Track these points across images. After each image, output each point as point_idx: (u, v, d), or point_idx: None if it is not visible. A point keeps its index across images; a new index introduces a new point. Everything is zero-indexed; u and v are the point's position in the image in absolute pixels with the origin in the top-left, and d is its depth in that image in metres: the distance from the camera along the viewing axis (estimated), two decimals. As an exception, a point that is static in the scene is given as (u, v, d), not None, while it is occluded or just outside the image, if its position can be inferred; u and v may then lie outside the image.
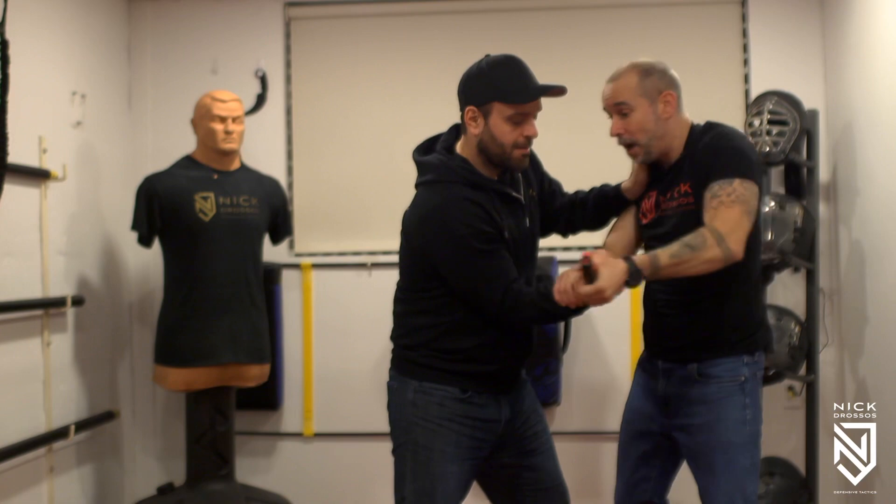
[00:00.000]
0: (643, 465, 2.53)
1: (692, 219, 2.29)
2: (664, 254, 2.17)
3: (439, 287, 2.36)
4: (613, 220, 2.63)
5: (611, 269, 2.12)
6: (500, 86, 2.30)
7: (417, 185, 2.43)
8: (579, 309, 2.22)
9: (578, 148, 4.06)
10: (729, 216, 2.21)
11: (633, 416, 2.56)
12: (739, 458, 2.36)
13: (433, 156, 2.41)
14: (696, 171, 2.33)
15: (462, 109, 2.38)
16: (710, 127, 2.43)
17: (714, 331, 2.38)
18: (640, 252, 2.48)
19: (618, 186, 2.60)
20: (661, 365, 2.47)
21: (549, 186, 2.60)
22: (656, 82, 2.40)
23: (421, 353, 2.41)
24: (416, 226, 2.37)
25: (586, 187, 2.66)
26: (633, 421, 2.56)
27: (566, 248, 4.02)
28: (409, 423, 2.42)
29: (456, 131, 2.46)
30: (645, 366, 2.54)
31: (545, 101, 2.36)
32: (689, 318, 2.41)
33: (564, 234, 2.67)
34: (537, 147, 2.48)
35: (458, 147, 2.42)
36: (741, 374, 2.37)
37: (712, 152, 2.33)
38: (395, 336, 2.49)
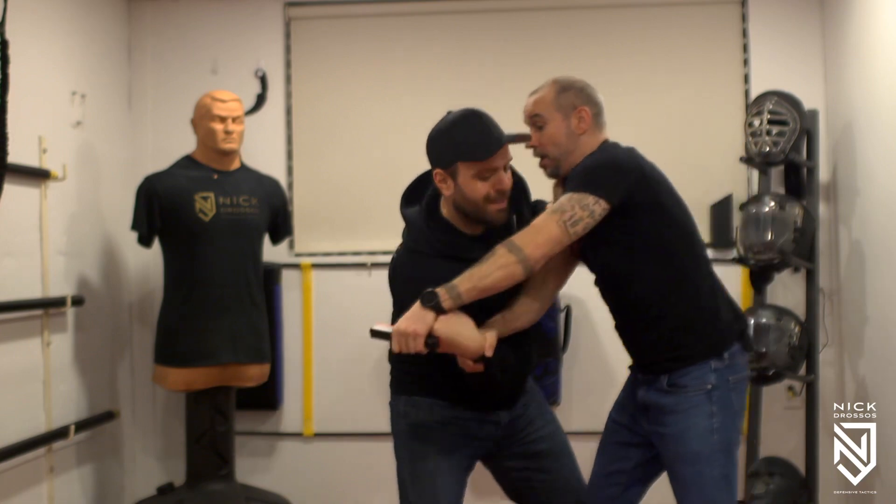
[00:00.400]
0: (621, 456, 2.50)
1: (588, 237, 2.30)
2: (462, 280, 2.21)
3: None
4: None
5: (402, 324, 2.19)
6: (461, 145, 2.30)
7: (403, 237, 2.46)
8: (433, 349, 2.22)
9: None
10: (531, 225, 2.27)
11: (618, 411, 2.55)
12: (707, 469, 2.33)
13: (416, 216, 2.43)
14: None
15: (433, 174, 2.38)
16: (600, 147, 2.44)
17: (670, 343, 2.35)
18: None
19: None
20: (641, 377, 2.47)
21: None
22: (572, 98, 2.43)
23: (412, 375, 2.46)
24: (394, 282, 2.43)
25: None
26: (616, 416, 2.55)
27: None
28: (403, 433, 2.47)
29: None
30: (633, 371, 2.54)
31: None
32: (645, 337, 2.40)
33: None
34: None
35: (442, 203, 2.42)
36: (708, 381, 2.33)
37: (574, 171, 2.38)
38: (390, 358, 2.52)
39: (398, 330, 2.18)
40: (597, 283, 2.49)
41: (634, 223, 2.31)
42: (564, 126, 2.41)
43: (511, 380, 2.41)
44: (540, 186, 2.57)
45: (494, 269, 2.21)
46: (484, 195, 2.32)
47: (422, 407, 2.43)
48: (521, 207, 2.46)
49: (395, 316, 2.39)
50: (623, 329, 2.48)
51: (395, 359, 2.49)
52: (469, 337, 2.23)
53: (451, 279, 2.23)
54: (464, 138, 2.30)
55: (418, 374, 2.44)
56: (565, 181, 2.42)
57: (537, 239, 2.23)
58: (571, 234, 2.25)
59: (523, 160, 2.50)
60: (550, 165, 2.45)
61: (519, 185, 2.47)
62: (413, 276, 2.36)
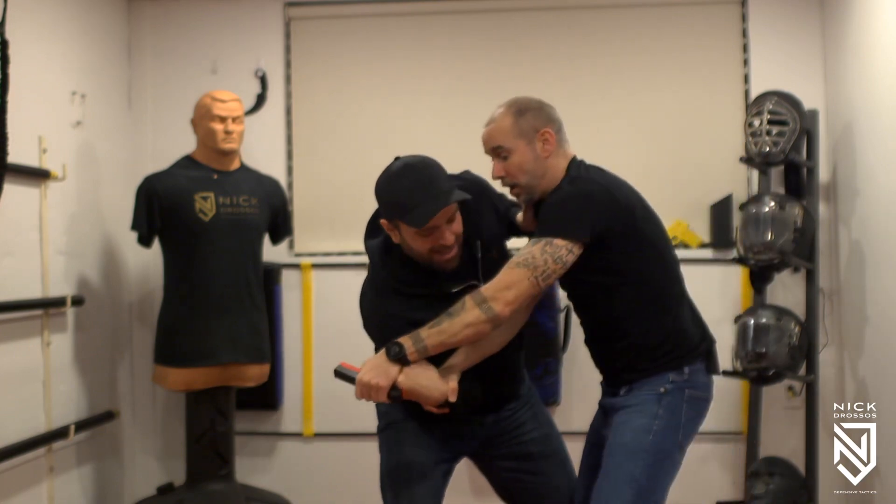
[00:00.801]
0: (595, 478, 2.45)
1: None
2: (426, 331, 2.20)
3: None
4: None
5: (369, 360, 2.22)
6: (399, 206, 2.24)
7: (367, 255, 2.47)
8: (396, 400, 2.25)
9: (576, 144, 4.04)
10: (502, 279, 2.20)
11: (590, 430, 2.54)
12: (628, 464, 2.25)
13: (374, 249, 2.42)
14: None
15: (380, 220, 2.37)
16: (570, 172, 2.36)
17: (633, 358, 2.34)
18: None
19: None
20: (606, 388, 2.47)
21: (513, 227, 2.55)
22: (532, 121, 2.34)
23: None
24: (361, 309, 2.44)
25: None
26: (589, 434, 2.54)
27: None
28: (382, 431, 2.51)
29: None
30: (601, 383, 2.53)
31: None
32: (608, 351, 2.40)
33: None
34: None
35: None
36: (662, 386, 2.30)
37: (543, 208, 2.32)
38: None
39: (361, 381, 2.20)
40: (570, 298, 2.48)
41: (611, 250, 2.27)
42: (530, 152, 2.33)
43: (483, 402, 2.41)
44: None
45: (462, 327, 2.19)
46: (428, 249, 2.28)
47: (399, 406, 2.44)
48: (481, 231, 2.41)
49: (375, 341, 2.41)
50: (591, 342, 2.47)
51: None
52: (432, 387, 2.24)
53: (406, 314, 2.25)
54: (402, 200, 2.23)
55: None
56: (537, 209, 2.39)
57: (508, 296, 2.19)
58: (543, 287, 2.22)
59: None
60: (522, 193, 2.38)
61: (480, 198, 2.41)
62: (373, 310, 2.38)
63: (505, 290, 2.19)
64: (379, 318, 2.35)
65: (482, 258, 2.38)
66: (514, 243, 2.58)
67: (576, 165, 2.38)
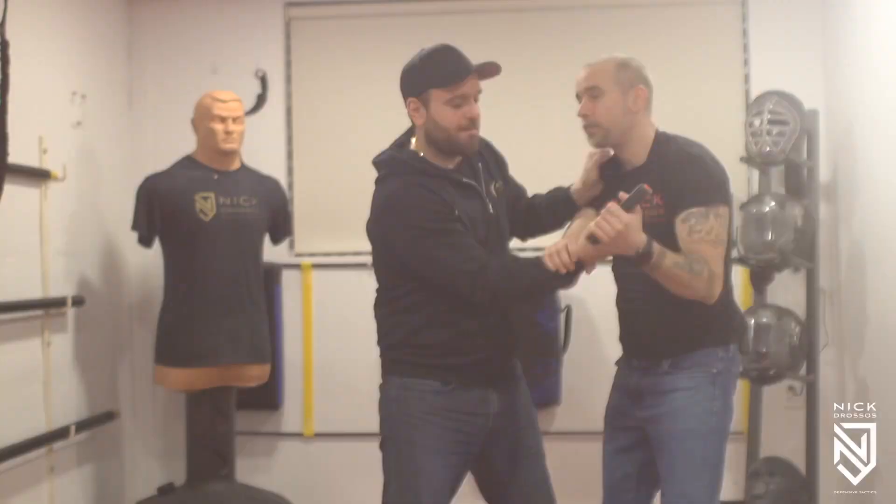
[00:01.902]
0: (624, 462, 2.50)
1: (661, 231, 2.29)
2: (671, 257, 2.22)
3: (409, 283, 2.39)
4: (567, 224, 2.58)
5: (635, 222, 2.18)
6: (434, 73, 2.36)
7: (375, 184, 2.48)
8: (570, 275, 2.25)
9: (575, 143, 4.04)
10: (717, 257, 2.29)
11: (611, 413, 2.56)
12: (697, 448, 2.34)
13: (384, 153, 2.48)
14: (668, 186, 2.33)
15: (406, 104, 2.42)
16: (669, 138, 2.45)
17: (685, 326, 2.37)
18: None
19: (569, 190, 2.60)
20: (636, 363, 2.47)
21: (513, 190, 2.60)
22: (632, 75, 2.44)
23: (401, 350, 2.44)
24: (374, 223, 2.43)
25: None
26: (611, 418, 2.56)
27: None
28: (392, 420, 2.45)
29: (410, 132, 2.50)
30: (621, 364, 2.54)
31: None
32: (660, 316, 2.39)
33: (523, 237, 2.68)
34: (536, 142, 2.48)
35: (413, 144, 2.46)
36: (714, 366, 2.37)
37: (682, 170, 2.34)
38: (379, 338, 2.52)
39: (615, 230, 2.16)
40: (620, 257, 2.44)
41: None
42: (621, 101, 2.41)
43: (508, 341, 2.48)
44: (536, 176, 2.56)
45: (687, 287, 2.24)
46: (456, 124, 2.35)
47: (413, 392, 2.40)
48: (486, 160, 2.50)
49: (373, 255, 2.47)
50: (635, 303, 2.46)
51: (383, 339, 2.49)
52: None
53: (425, 185, 2.33)
54: (436, 67, 2.36)
55: (410, 353, 2.42)
56: (671, 181, 2.37)
57: (720, 281, 2.30)
58: None
59: (520, 147, 2.49)
60: (599, 134, 2.43)
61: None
62: (390, 192, 2.39)
63: (721, 274, 2.30)
64: (405, 185, 2.37)
65: (485, 188, 2.46)
66: (515, 243, 2.59)
67: (667, 134, 2.45)
